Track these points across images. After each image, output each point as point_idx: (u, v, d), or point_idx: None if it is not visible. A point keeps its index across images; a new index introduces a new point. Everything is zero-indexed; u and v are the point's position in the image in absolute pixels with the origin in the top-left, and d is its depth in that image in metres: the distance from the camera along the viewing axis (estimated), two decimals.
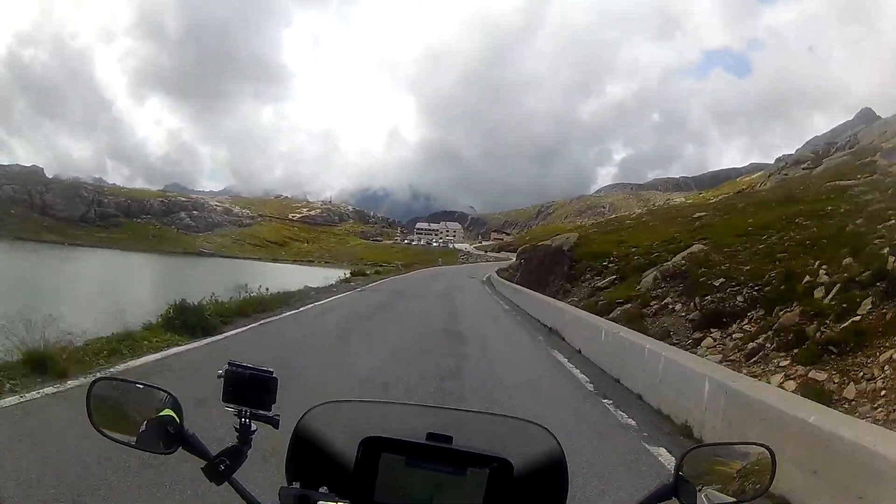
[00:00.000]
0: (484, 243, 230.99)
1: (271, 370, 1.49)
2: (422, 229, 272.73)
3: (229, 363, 1.48)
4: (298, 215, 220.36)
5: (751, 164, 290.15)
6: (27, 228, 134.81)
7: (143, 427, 1.45)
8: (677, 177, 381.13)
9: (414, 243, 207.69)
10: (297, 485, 1.41)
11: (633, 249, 31.94)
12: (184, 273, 67.96)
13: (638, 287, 24.29)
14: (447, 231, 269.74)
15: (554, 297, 28.17)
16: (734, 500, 1.49)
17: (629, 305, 21.86)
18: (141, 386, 1.55)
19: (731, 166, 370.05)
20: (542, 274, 35.80)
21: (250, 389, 1.46)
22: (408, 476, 1.33)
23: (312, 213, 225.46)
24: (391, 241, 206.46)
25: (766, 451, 1.55)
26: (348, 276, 43.31)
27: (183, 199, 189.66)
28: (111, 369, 8.65)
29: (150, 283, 45.19)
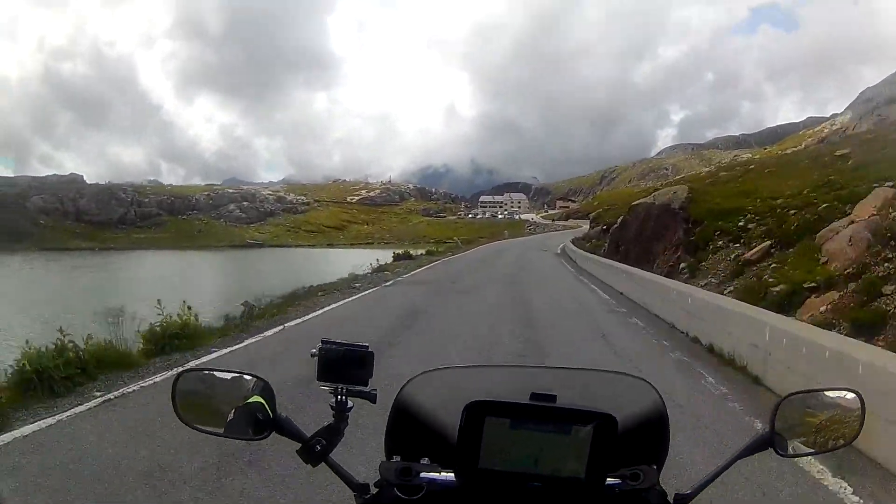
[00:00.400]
0: (550, 212, 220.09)
1: (366, 344, 1.48)
2: (486, 202, 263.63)
3: (323, 341, 1.47)
4: (357, 197, 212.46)
5: (808, 118, 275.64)
6: (56, 237, 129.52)
7: (231, 416, 1.44)
8: (737, 134, 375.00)
9: (479, 217, 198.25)
10: (397, 458, 1.39)
11: (777, 202, 22.15)
12: (192, 272, 61.19)
13: (822, 258, 14.86)
14: (512, 202, 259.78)
15: (669, 278, 18.87)
16: (825, 448, 1.53)
17: (836, 295, 12.43)
18: (227, 374, 1.52)
19: (788, 121, 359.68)
20: (645, 243, 26.30)
21: (346, 366, 1.46)
22: (513, 439, 1.27)
23: (372, 194, 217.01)
24: (455, 217, 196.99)
25: (857, 397, 1.54)
26: (387, 260, 34.50)
27: (231, 190, 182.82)
28: None
29: (104, 293, 36.70)
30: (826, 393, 1.51)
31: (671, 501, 1.38)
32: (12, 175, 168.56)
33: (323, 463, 1.42)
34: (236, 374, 1.48)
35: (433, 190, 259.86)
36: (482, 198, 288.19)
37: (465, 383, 1.50)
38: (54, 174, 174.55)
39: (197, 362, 8.95)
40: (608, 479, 1.30)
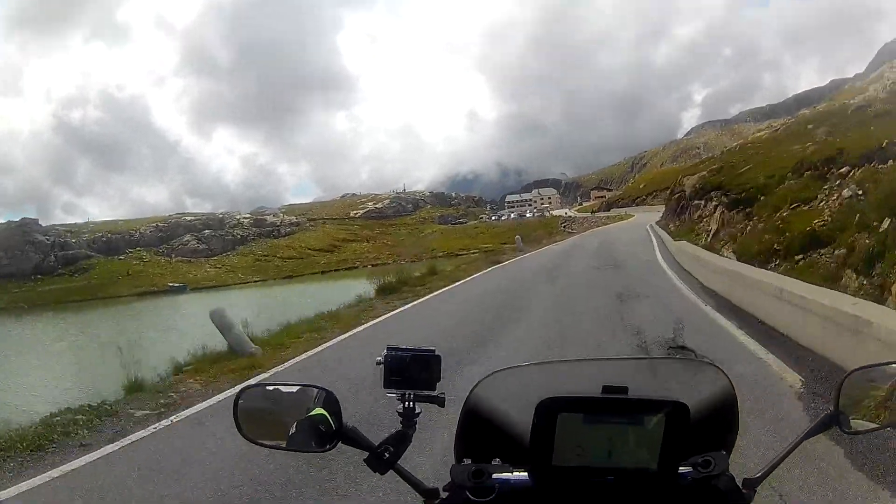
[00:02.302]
0: (585, 204, 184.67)
1: (433, 349, 1.42)
2: (513, 202, 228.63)
3: (388, 347, 1.43)
4: (363, 211, 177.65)
5: (830, 81, 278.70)
6: None
7: (293, 429, 1.40)
8: (763, 105, 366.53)
9: (503, 219, 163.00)
10: (467, 461, 1.33)
11: None
12: None
13: None
14: (541, 199, 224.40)
15: None
16: (892, 422, 1.48)
17: None
18: (289, 388, 1.48)
19: (812, 87, 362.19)
20: None
21: (413, 371, 1.40)
22: (586, 433, 1.23)
23: (379, 205, 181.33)
24: (476, 221, 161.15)
25: None
26: None
27: (190, 218, 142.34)
28: None
29: None
30: (889, 366, 1.39)
31: (740, 486, 1.30)
32: None
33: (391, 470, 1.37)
34: (298, 388, 1.45)
35: (453, 194, 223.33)
36: (508, 197, 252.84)
37: (535, 381, 1.42)
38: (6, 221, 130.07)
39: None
40: (680, 468, 1.26)
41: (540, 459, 1.22)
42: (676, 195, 42.75)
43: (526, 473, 1.25)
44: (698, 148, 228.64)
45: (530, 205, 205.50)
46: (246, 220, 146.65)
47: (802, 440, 1.38)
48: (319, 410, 1.38)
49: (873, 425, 1.40)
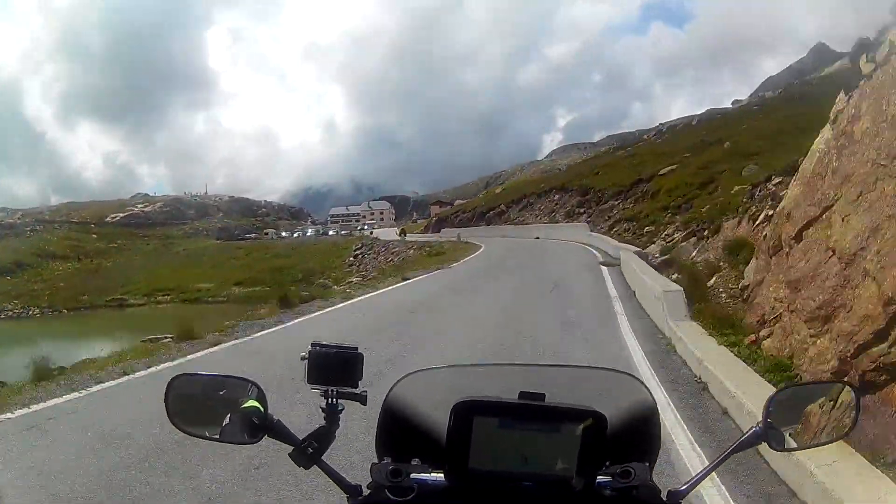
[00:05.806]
0: (419, 221, 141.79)
1: (356, 346, 1.40)
2: (337, 216, 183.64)
3: (313, 344, 1.38)
4: (123, 215, 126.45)
5: (708, 110, 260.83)
6: None
7: (226, 420, 1.37)
8: (633, 130, 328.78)
9: (295, 235, 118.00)
10: (387, 460, 1.29)
11: None
12: None
13: None
14: (372, 213, 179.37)
15: None
16: (820, 442, 1.45)
17: None
18: (221, 379, 1.45)
19: (687, 114, 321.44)
20: None
21: (336, 368, 1.37)
22: (501, 438, 1.20)
23: (147, 209, 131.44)
24: (259, 238, 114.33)
25: (850, 389, 1.45)
26: None
27: None
28: None
29: None
30: (819, 385, 1.34)
31: (664, 498, 1.28)
32: None
33: (315, 465, 1.34)
34: (230, 379, 1.41)
35: (263, 202, 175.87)
36: (333, 210, 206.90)
37: (454, 383, 1.39)
38: None
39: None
40: (599, 478, 1.23)
41: (456, 462, 1.19)
42: None
43: (443, 475, 1.22)
44: (560, 170, 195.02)
45: (358, 220, 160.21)
46: None
47: (730, 454, 1.35)
48: (253, 403, 1.34)
49: (802, 443, 1.37)
